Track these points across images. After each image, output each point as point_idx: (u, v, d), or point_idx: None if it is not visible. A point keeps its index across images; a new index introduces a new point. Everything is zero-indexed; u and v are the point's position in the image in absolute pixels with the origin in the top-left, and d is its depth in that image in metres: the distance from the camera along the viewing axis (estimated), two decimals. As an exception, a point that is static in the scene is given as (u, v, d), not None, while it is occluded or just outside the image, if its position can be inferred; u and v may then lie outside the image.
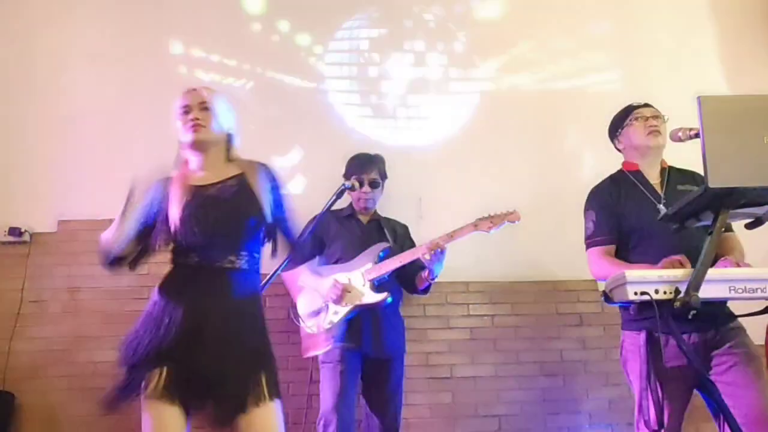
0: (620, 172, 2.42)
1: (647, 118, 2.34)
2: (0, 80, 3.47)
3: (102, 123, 3.42)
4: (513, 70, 3.66)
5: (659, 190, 2.30)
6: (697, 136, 1.82)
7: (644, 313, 1.89)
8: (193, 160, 1.97)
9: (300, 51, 3.62)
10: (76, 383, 3.13)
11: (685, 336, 1.95)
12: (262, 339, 1.86)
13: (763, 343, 2.53)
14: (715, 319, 2.06)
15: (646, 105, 2.40)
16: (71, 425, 3.07)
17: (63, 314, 3.22)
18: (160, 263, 3.28)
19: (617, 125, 2.45)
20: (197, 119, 1.91)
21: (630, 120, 2.38)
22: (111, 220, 3.26)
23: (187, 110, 1.94)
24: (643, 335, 2.08)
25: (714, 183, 1.58)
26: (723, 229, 1.70)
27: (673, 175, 2.34)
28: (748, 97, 1.78)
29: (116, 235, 1.86)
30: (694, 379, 2.05)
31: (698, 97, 1.63)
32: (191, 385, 1.72)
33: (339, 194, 2.67)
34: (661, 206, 2.23)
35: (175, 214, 1.85)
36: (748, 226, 1.83)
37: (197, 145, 1.93)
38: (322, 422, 2.59)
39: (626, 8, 3.75)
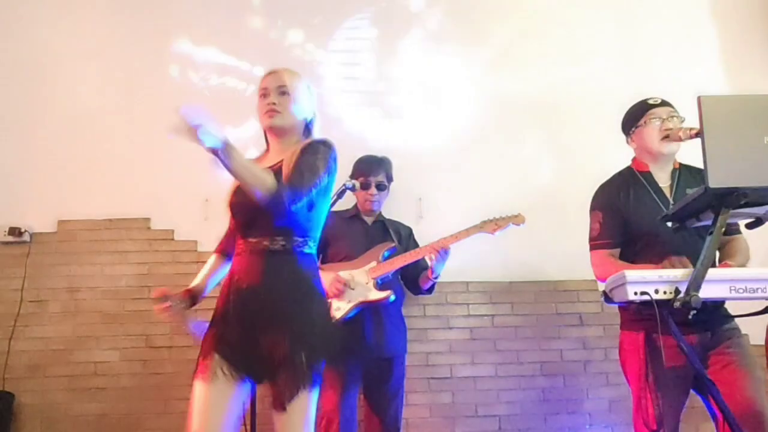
0: (629, 170, 2.36)
1: (663, 120, 2.24)
2: (0, 80, 3.47)
3: (102, 123, 3.42)
4: (513, 71, 3.65)
5: (668, 194, 2.25)
6: (697, 136, 1.82)
7: (643, 314, 1.89)
8: (271, 143, 1.98)
9: (299, 51, 3.62)
10: (76, 383, 3.13)
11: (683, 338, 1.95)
12: (299, 321, 1.78)
13: (763, 343, 2.53)
14: (712, 320, 2.06)
15: (663, 104, 2.29)
16: (71, 425, 3.07)
17: (63, 314, 3.22)
18: (159, 263, 3.32)
19: (631, 123, 2.35)
20: (273, 104, 1.89)
21: (645, 120, 2.28)
22: (111, 220, 3.31)
23: (265, 93, 1.92)
24: (642, 335, 2.09)
25: (714, 183, 1.58)
26: (724, 230, 1.69)
27: (683, 177, 2.29)
28: (748, 97, 1.78)
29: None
30: (692, 379, 2.06)
31: (698, 97, 1.63)
32: (241, 364, 1.76)
33: (340, 194, 2.68)
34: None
35: (229, 197, 1.90)
36: (749, 226, 1.83)
37: (272, 130, 1.94)
38: (324, 422, 2.59)
39: (627, 9, 3.75)
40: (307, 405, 1.74)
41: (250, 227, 1.85)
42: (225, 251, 2.01)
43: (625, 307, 2.22)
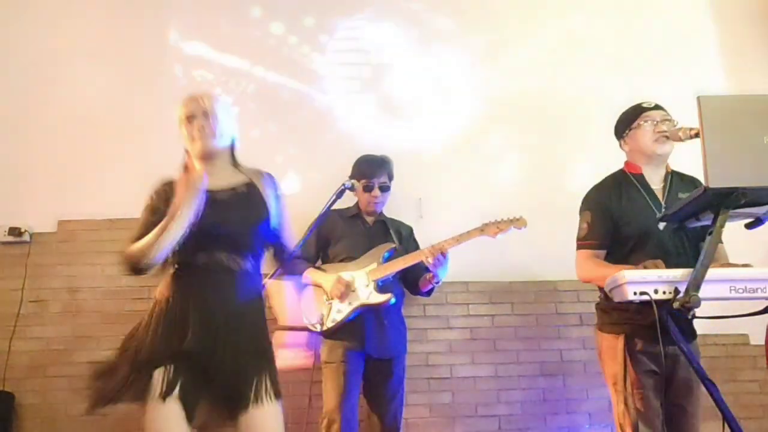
0: (622, 172, 2.38)
1: (656, 123, 2.26)
2: (0, 80, 3.47)
3: (102, 123, 3.42)
4: (513, 71, 3.66)
5: (661, 197, 2.28)
6: (697, 136, 1.82)
7: (627, 317, 2.07)
8: (201, 167, 1.97)
9: (299, 50, 3.62)
10: (76, 383, 3.12)
11: (658, 347, 1.98)
12: (265, 339, 1.91)
13: (762, 343, 2.54)
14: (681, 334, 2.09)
15: (657, 107, 2.32)
16: (71, 425, 3.07)
17: (63, 314, 3.22)
18: (159, 263, 3.31)
19: (625, 125, 2.37)
20: (203, 128, 1.91)
21: (639, 122, 2.31)
22: (111, 220, 3.31)
23: (191, 118, 1.93)
24: (621, 339, 2.16)
25: (714, 183, 1.58)
26: (722, 230, 1.70)
27: (675, 182, 2.31)
28: (748, 97, 1.79)
29: (160, 246, 1.77)
30: (663, 383, 2.14)
31: (698, 97, 1.63)
32: (196, 383, 1.74)
33: (339, 194, 2.67)
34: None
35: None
36: (748, 226, 1.83)
37: (205, 154, 1.94)
38: (325, 422, 2.59)
39: (626, 9, 3.75)
40: (280, 415, 1.82)
41: (226, 246, 1.87)
42: None
43: (604, 308, 2.31)
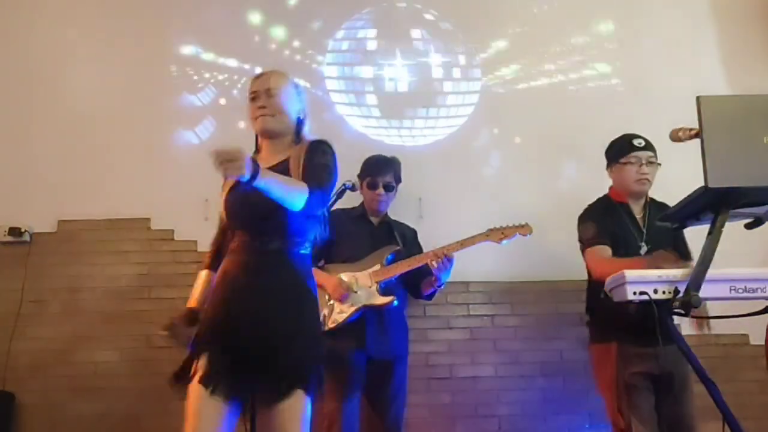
0: (608, 198, 2.56)
1: (641, 165, 2.45)
2: (0, 80, 3.47)
3: (102, 123, 3.43)
4: (514, 71, 3.66)
5: (641, 225, 2.48)
6: (697, 136, 1.82)
7: (614, 327, 2.21)
8: (263, 145, 1.99)
9: (299, 51, 3.62)
10: (76, 383, 3.13)
11: (650, 349, 2.09)
12: (293, 323, 1.80)
13: (762, 343, 2.53)
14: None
15: (646, 147, 2.47)
16: (71, 425, 3.07)
17: (63, 314, 3.22)
18: (159, 263, 3.32)
19: (613, 157, 2.54)
20: (263, 107, 1.90)
21: (626, 160, 2.48)
22: (111, 220, 3.31)
23: (254, 97, 1.93)
24: (614, 345, 2.29)
25: (714, 183, 1.58)
26: (722, 230, 1.70)
27: (653, 211, 2.50)
28: (748, 97, 1.79)
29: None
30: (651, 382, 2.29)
31: (698, 97, 1.63)
32: (230, 367, 1.73)
33: (340, 194, 2.67)
34: (643, 244, 2.42)
35: (223, 196, 1.93)
36: (748, 226, 1.84)
37: (263, 133, 1.96)
38: (326, 422, 2.59)
39: (626, 9, 3.75)
40: (302, 406, 1.75)
41: (248, 226, 1.86)
42: (216, 267, 1.97)
43: (594, 323, 2.50)
